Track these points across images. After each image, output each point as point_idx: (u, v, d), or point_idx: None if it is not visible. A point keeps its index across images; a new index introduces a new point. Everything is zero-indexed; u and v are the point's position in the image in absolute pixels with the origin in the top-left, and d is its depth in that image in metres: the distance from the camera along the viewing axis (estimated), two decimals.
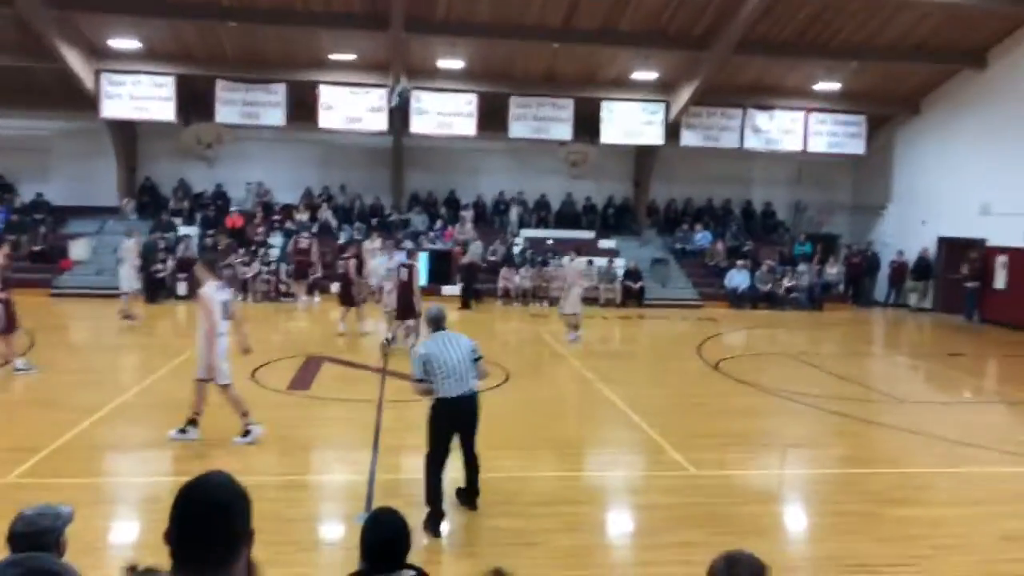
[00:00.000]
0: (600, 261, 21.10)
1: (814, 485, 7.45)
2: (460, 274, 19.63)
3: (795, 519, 6.78)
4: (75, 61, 18.62)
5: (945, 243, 21.00)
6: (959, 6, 17.43)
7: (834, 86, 21.19)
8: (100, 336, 14.64)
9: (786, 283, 21.14)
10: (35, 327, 13.22)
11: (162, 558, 2.11)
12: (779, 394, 10.83)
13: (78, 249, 19.73)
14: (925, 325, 19.65)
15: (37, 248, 19.70)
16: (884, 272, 22.49)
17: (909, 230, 22.04)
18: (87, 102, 19.56)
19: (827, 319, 19.71)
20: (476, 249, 20.12)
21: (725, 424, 9.14)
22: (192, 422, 7.75)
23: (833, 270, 22.20)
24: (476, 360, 6.10)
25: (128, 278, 15.19)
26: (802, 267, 21.71)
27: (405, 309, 12.83)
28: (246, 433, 7.69)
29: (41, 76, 19.59)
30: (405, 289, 12.82)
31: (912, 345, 17.61)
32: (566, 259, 15.97)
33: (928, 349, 16.57)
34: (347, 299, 14.70)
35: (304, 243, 18.63)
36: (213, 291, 7.58)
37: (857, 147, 22.31)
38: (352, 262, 15.04)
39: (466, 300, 19.00)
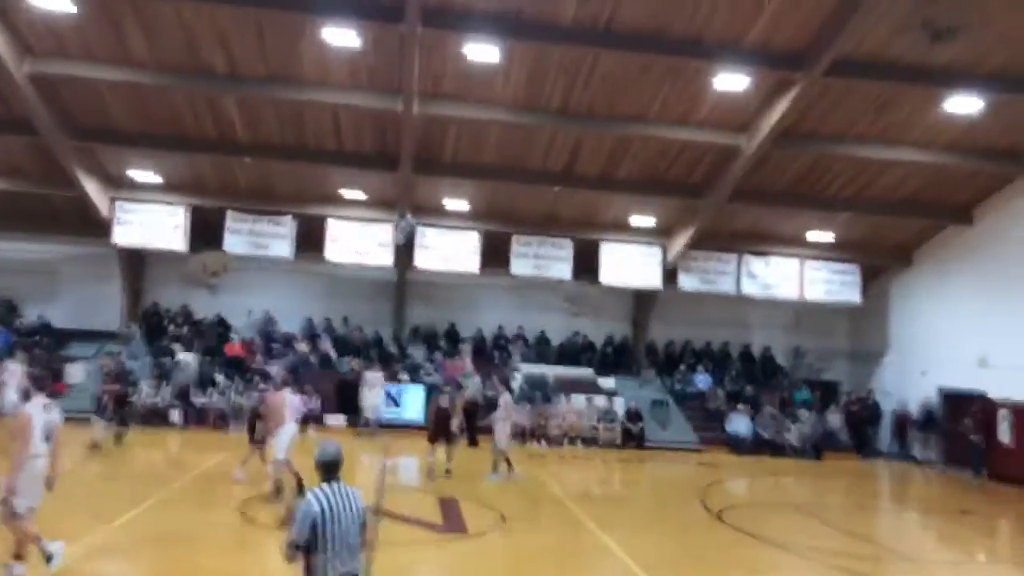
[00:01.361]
0: (600, 400, 20.91)
1: None
2: (463, 411, 18.99)
3: None
4: (92, 189, 19.27)
5: (946, 394, 20.86)
6: (943, 166, 18.25)
7: (828, 236, 21.82)
8: (83, 463, 14.22)
9: (788, 437, 20.79)
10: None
11: None
12: (784, 547, 10.39)
13: (74, 373, 19.59)
14: (932, 479, 19.17)
15: (33, 371, 19.51)
16: (887, 421, 22.22)
17: (909, 379, 21.98)
18: (99, 228, 20.07)
19: (830, 469, 19.26)
20: (475, 385, 19.88)
21: None
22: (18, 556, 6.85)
23: (834, 417, 21.95)
24: (363, 527, 4.84)
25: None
26: (803, 414, 21.47)
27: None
28: (49, 558, 6.97)
29: (57, 202, 20.20)
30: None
31: (920, 500, 17.10)
32: (503, 394, 14.80)
33: (936, 505, 16.07)
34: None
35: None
36: (37, 408, 6.93)
37: (853, 295, 22.64)
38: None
39: (473, 437, 18.14)
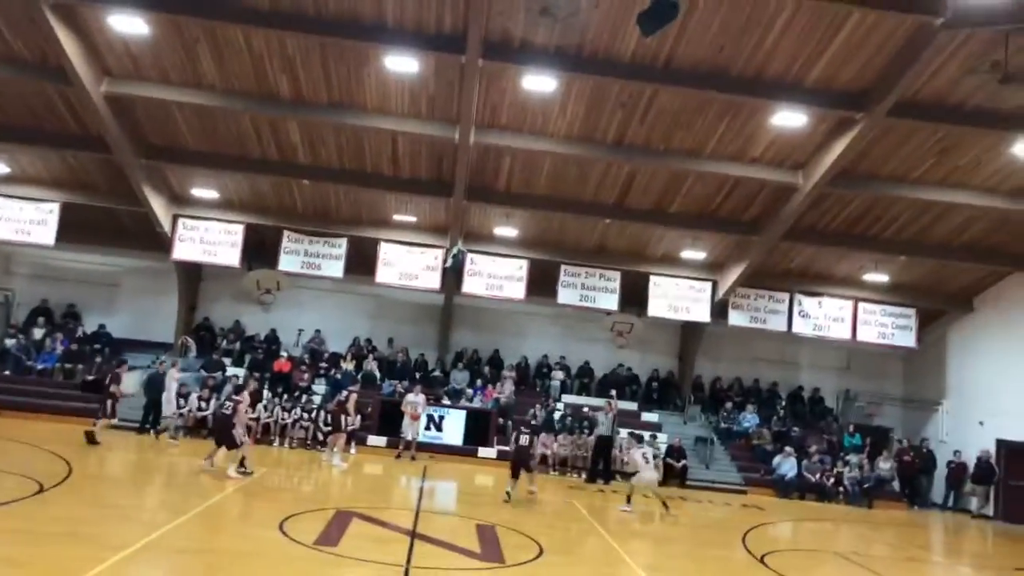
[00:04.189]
0: (643, 434, 20.62)
1: None
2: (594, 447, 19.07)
3: None
4: (157, 206, 19.94)
5: (1005, 446, 20.08)
6: (1008, 211, 17.74)
7: (883, 278, 21.35)
8: (136, 469, 14.60)
9: (841, 470, 20.20)
10: (75, 457, 13.33)
11: None
12: None
13: (128, 382, 20.12)
14: (988, 533, 18.40)
15: (90, 378, 20.18)
16: (941, 472, 21.46)
17: (966, 429, 21.24)
18: (160, 243, 20.74)
19: (880, 518, 18.64)
20: (606, 421, 19.19)
21: None
22: None
23: (885, 465, 21.27)
24: None
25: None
26: (853, 459, 20.88)
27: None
28: None
29: (123, 217, 20.96)
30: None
31: (974, 555, 16.41)
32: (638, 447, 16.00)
33: (992, 561, 15.41)
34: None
35: (343, 396, 18.33)
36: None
37: (908, 339, 22.04)
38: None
39: (607, 473, 18.81)
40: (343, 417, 17.32)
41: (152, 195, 19.62)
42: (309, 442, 18.90)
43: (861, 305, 21.88)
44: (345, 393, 18.22)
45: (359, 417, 18.41)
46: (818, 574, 11.58)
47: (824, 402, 24.15)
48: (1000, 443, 20.22)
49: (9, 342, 21.09)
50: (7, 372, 20.26)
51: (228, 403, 14.12)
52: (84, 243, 21.58)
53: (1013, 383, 19.70)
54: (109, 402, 16.34)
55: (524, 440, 14.62)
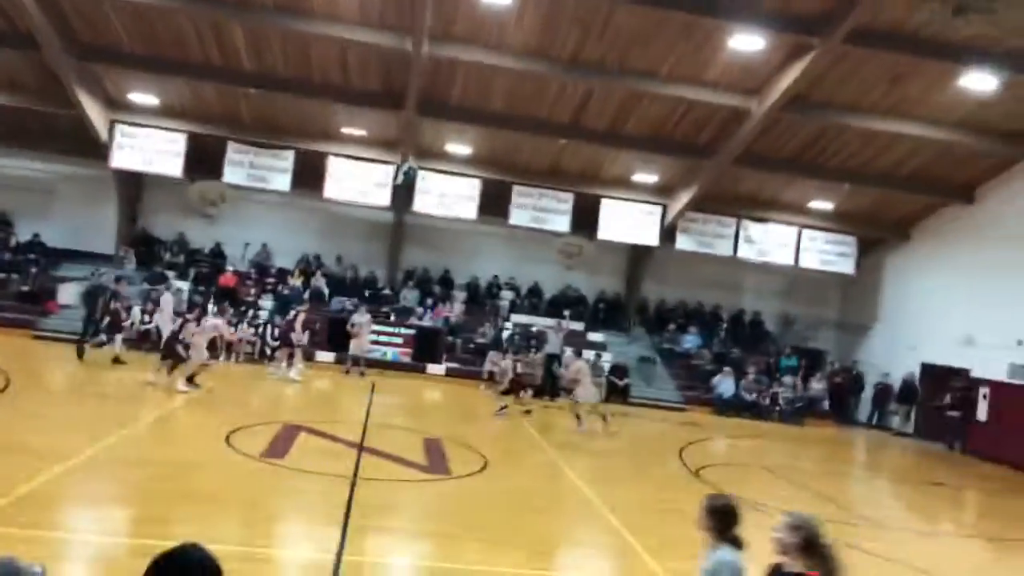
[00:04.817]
0: (587, 354, 21.07)
1: None
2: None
3: None
4: (92, 110, 19.03)
5: (928, 369, 21.16)
6: (950, 143, 18.17)
7: (827, 205, 21.82)
8: (78, 382, 14.41)
9: (777, 390, 21.09)
10: (12, 368, 13.05)
11: None
12: (757, 508, 10.66)
13: (66, 293, 19.63)
14: (907, 450, 19.57)
15: (25, 289, 19.59)
16: (868, 392, 22.56)
17: (895, 353, 22.24)
18: (97, 150, 19.88)
19: (809, 435, 19.62)
20: (554, 340, 19.87)
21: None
22: None
23: (818, 385, 22.26)
24: None
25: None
26: (787, 380, 21.77)
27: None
28: None
29: (56, 121, 19.96)
30: None
31: (893, 470, 17.48)
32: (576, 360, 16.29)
33: (909, 475, 16.45)
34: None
35: (291, 315, 18.27)
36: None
37: (847, 266, 22.76)
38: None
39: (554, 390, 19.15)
40: (291, 334, 17.27)
41: (86, 98, 18.67)
42: (256, 357, 18.84)
43: (805, 232, 22.41)
44: (294, 312, 18.09)
45: (307, 334, 18.36)
46: (749, 486, 12.21)
47: (764, 325, 24.95)
48: (924, 366, 21.29)
49: None
50: None
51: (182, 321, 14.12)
52: (15, 146, 20.58)
53: (942, 310, 20.59)
54: (108, 319, 16.29)
55: (520, 368, 15.85)
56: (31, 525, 6.46)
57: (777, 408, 21.01)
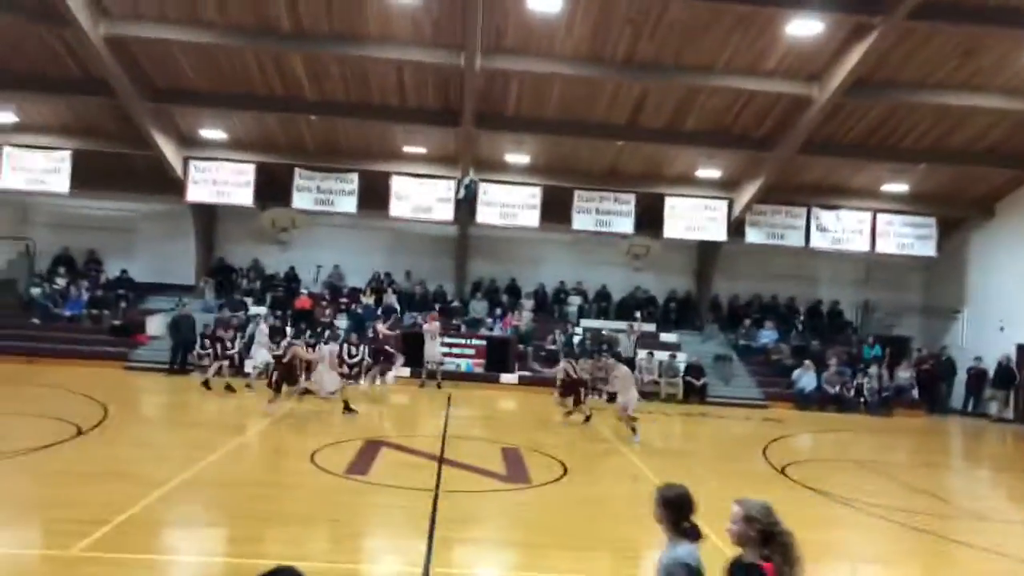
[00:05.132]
0: (661, 355, 20.87)
1: None
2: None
3: None
4: (167, 148, 19.91)
5: None
6: None
7: (902, 187, 21.03)
8: (170, 410, 15.05)
9: (861, 381, 20.36)
10: (109, 399, 13.74)
11: None
12: (849, 504, 10.32)
13: (154, 325, 20.54)
14: (1008, 437, 18.62)
15: (117, 323, 20.58)
16: (961, 378, 21.58)
17: (986, 335, 21.24)
18: (174, 187, 20.78)
19: (899, 425, 18.89)
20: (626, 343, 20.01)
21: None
22: None
23: (905, 374, 21.41)
24: None
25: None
26: (872, 370, 21.02)
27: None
28: None
29: (135, 162, 20.95)
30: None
31: (993, 458, 16.66)
32: (618, 367, 15.19)
33: (1011, 464, 15.65)
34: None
35: (380, 324, 19.07)
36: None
37: (928, 249, 21.86)
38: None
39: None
40: (386, 346, 18.15)
41: (161, 138, 19.56)
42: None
43: (880, 216, 21.64)
44: (384, 323, 19.00)
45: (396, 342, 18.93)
46: (838, 482, 11.83)
47: (843, 315, 24.17)
48: (1020, 347, 20.23)
49: (35, 291, 21.48)
50: (36, 321, 20.70)
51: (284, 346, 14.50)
52: (99, 190, 21.65)
53: None
54: (217, 347, 17.15)
55: (570, 370, 15.42)
56: (134, 549, 6.77)
57: (862, 399, 20.30)
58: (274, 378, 14.13)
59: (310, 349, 15.50)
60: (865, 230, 21.66)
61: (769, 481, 11.59)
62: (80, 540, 6.74)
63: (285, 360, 14.07)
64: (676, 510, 3.88)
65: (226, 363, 17.00)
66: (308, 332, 20.01)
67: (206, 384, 16.31)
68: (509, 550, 7.65)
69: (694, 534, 3.77)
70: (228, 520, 7.98)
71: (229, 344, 17.54)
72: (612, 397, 15.47)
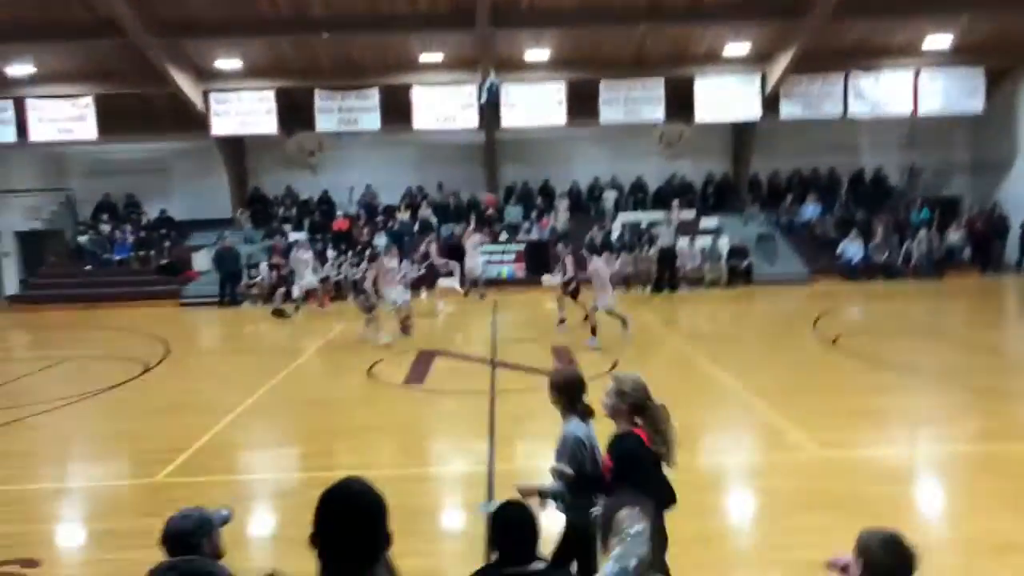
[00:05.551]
0: (703, 240, 20.65)
1: (950, 462, 7.06)
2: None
3: (932, 499, 6.45)
4: (185, 84, 19.75)
5: None
6: None
7: (944, 42, 19.90)
8: (228, 341, 15.53)
9: (910, 247, 19.91)
10: (169, 335, 14.22)
11: (297, 554, 2.22)
12: (904, 369, 10.31)
13: (200, 260, 20.96)
14: None
15: (164, 262, 21.04)
16: (1016, 234, 20.97)
17: None
18: (199, 122, 20.71)
19: (952, 288, 18.60)
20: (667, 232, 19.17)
21: (848, 402, 8.75)
22: None
23: (956, 235, 20.88)
24: None
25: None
26: (921, 234, 20.54)
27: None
28: None
29: (158, 102, 20.87)
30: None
31: None
32: (592, 260, 13.45)
33: None
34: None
35: (424, 247, 19.29)
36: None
37: (975, 104, 20.87)
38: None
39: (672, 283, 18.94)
40: (434, 263, 18.58)
41: (178, 73, 19.38)
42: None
43: (923, 73, 20.61)
44: (424, 244, 19.31)
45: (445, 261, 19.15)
46: (895, 350, 11.78)
47: (888, 181, 23.47)
48: None
49: (82, 239, 21.98)
50: (88, 267, 21.27)
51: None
52: (127, 133, 21.71)
53: None
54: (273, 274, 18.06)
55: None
56: (214, 471, 7.13)
57: (911, 265, 19.93)
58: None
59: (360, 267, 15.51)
60: (906, 91, 20.69)
61: (821, 354, 11.61)
62: (165, 467, 7.12)
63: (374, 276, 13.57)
64: (568, 392, 4.15)
65: (282, 289, 17.41)
66: (349, 253, 20.30)
67: (279, 312, 16.61)
68: None
69: (586, 414, 4.06)
70: (296, 438, 8.32)
71: (283, 271, 17.99)
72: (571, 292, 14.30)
